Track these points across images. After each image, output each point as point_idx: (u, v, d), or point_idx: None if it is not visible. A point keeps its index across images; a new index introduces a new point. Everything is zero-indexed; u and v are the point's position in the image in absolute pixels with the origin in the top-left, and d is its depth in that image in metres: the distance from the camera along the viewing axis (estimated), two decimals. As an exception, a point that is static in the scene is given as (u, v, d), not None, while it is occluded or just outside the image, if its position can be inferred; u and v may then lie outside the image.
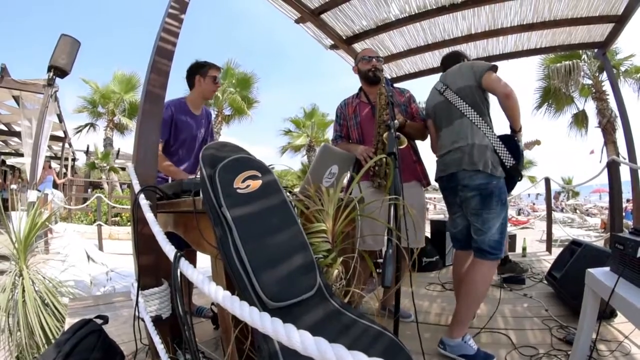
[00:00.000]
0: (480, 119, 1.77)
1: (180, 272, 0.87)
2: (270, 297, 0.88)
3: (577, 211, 15.80)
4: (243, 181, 1.03)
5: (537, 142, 3.68)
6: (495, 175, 1.68)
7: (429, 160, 2.19)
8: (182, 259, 0.84)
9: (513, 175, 1.77)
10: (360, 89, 2.25)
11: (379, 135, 1.94)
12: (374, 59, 2.13)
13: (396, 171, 1.15)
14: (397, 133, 1.32)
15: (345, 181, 1.66)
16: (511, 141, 1.77)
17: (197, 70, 2.19)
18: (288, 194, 1.19)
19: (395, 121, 1.50)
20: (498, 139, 1.75)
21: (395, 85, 2.34)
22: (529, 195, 24.94)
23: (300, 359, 0.49)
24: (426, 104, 2.07)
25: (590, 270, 1.42)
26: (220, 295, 0.65)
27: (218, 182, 1.00)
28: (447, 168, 1.83)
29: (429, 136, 2.11)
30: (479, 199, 1.71)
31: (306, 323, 0.89)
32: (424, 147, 2.20)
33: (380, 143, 1.93)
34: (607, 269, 1.39)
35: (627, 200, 9.34)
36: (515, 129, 1.80)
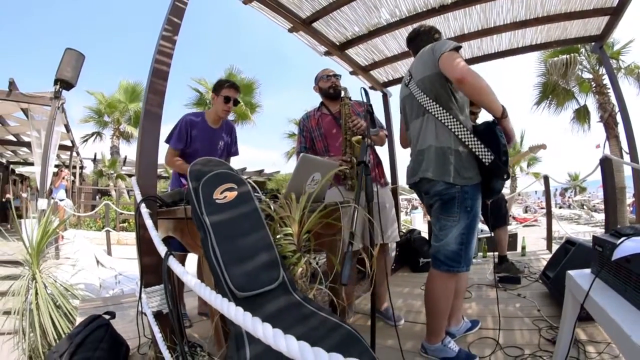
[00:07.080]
0: (447, 113, 1.56)
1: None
2: (238, 288, 1.05)
3: (584, 207, 15.62)
4: (222, 193, 1.22)
5: (543, 147, 3.64)
6: (456, 184, 1.54)
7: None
8: (171, 257, 0.96)
9: (494, 175, 1.54)
10: (322, 103, 2.42)
11: (346, 141, 2.10)
12: (332, 78, 2.35)
13: (368, 178, 1.24)
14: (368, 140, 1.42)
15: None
16: (487, 132, 1.54)
17: (215, 88, 2.31)
18: (267, 200, 1.36)
19: (377, 129, 1.60)
20: (471, 134, 1.53)
21: (358, 98, 2.44)
22: (535, 192, 24.63)
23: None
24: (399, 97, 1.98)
25: (570, 272, 1.37)
26: (193, 283, 0.77)
27: (201, 193, 1.19)
28: (412, 175, 1.74)
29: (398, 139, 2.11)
30: (440, 203, 1.61)
31: (268, 311, 1.05)
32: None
33: (349, 148, 2.08)
34: (589, 270, 1.33)
35: (633, 195, 9.19)
36: (498, 116, 1.54)
